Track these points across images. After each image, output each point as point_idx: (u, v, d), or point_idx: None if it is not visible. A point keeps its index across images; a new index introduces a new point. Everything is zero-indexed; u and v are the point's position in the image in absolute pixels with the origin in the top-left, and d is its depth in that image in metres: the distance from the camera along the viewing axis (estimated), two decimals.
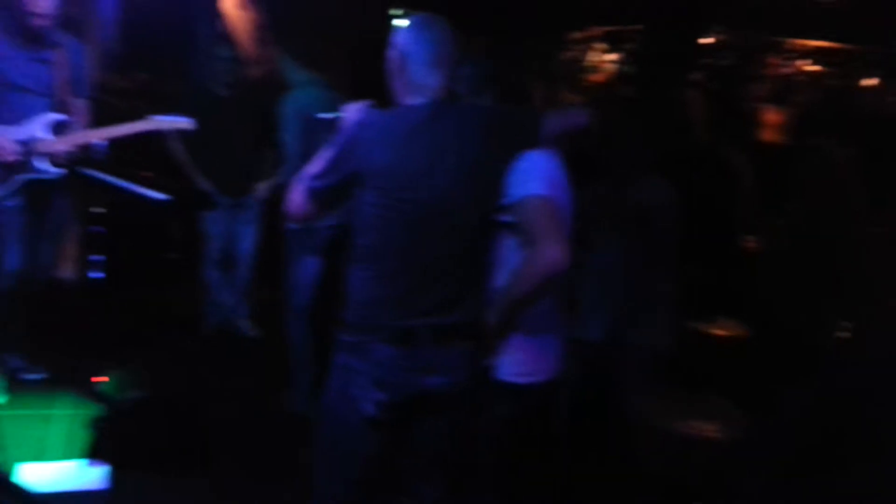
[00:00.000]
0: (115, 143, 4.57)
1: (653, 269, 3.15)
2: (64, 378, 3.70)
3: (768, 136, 5.23)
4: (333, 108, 2.22)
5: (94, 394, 2.60)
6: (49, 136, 3.47)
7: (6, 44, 3.35)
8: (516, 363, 2.23)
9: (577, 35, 6.09)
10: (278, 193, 4.41)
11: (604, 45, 5.99)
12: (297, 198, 2.07)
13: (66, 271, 4.55)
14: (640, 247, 3.09)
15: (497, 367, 2.20)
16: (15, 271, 3.50)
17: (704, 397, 3.12)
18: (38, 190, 3.54)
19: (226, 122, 4.39)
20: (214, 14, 5.55)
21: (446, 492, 2.17)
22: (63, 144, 3.49)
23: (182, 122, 3.80)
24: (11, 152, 3.36)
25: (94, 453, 3.06)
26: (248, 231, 4.64)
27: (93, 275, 4.41)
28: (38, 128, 3.44)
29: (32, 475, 2.92)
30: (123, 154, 4.55)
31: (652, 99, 5.11)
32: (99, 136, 3.70)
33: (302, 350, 3.72)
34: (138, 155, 4.50)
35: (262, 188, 4.34)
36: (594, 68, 6.06)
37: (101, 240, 4.35)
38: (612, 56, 5.94)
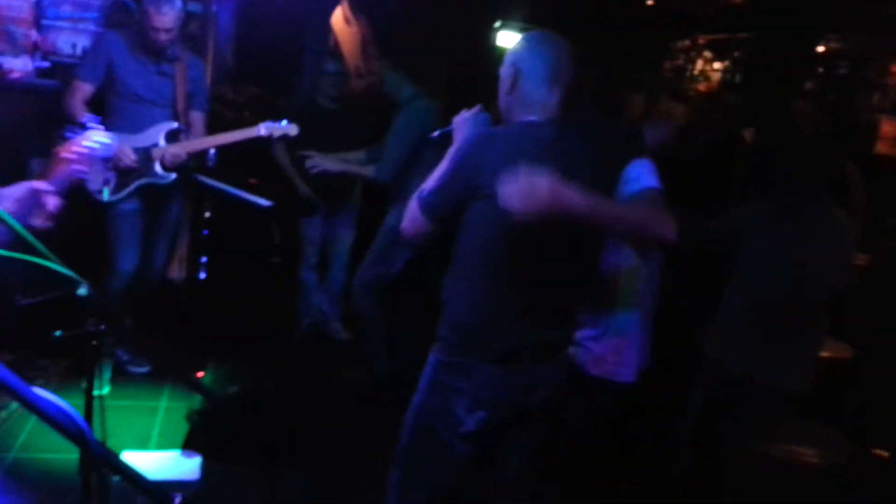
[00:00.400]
0: (224, 150, 4.83)
1: (812, 310, 2.94)
2: (166, 372, 3.91)
3: (885, 148, 4.93)
4: (440, 121, 2.20)
5: (193, 387, 2.69)
6: (165, 144, 3.67)
7: (132, 58, 3.58)
8: (603, 361, 2.23)
9: (682, 44, 5.94)
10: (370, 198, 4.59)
11: (710, 54, 5.81)
12: (414, 216, 2.00)
13: (175, 272, 4.79)
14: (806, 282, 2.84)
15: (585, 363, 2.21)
16: (129, 271, 3.72)
17: (805, 421, 2.96)
18: (155, 194, 3.76)
19: (329, 133, 4.54)
20: (324, 29, 5.73)
21: (531, 499, 2.17)
22: (178, 151, 3.68)
23: (289, 129, 3.94)
24: (131, 158, 3.57)
25: (189, 445, 3.21)
26: (345, 236, 4.78)
27: (200, 276, 4.61)
28: (156, 136, 3.66)
29: (131, 463, 3.09)
30: (232, 161, 4.80)
31: (761, 109, 4.92)
32: (211, 143, 3.92)
33: (376, 322, 3.98)
34: (245, 162, 4.72)
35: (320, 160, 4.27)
36: (700, 77, 5.88)
37: (207, 242, 4.55)
38: (719, 65, 5.75)
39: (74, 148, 2.07)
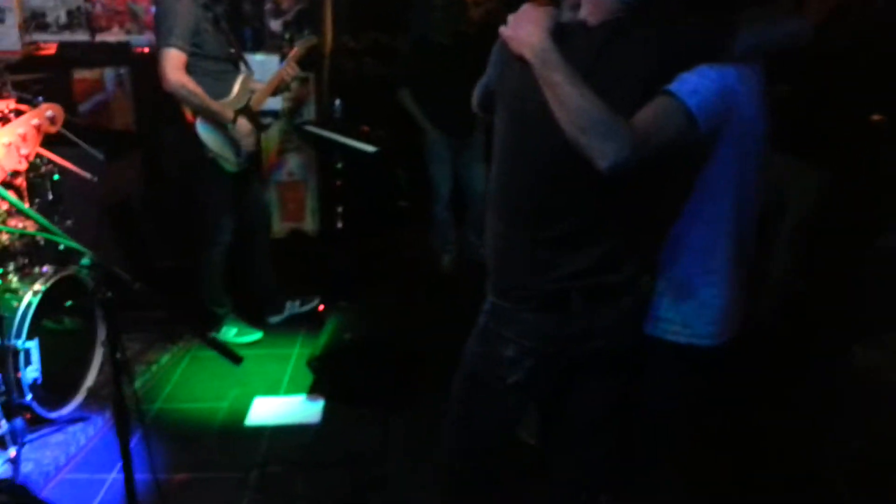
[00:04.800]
0: (350, 100, 4.89)
1: None
2: (304, 320, 4.11)
3: None
4: None
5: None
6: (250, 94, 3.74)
7: (203, 16, 3.49)
8: (675, 321, 1.88)
9: None
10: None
11: None
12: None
13: (308, 224, 4.98)
14: None
15: (658, 325, 1.92)
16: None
17: None
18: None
19: (449, 68, 4.44)
20: None
21: (609, 455, 2.01)
22: (261, 98, 3.77)
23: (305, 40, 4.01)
24: (249, 129, 3.67)
25: (314, 389, 3.35)
26: (476, 169, 4.76)
27: (336, 225, 4.74)
28: (244, 90, 3.70)
29: (261, 408, 3.28)
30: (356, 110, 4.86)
31: None
32: (273, 83, 3.86)
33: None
34: (363, 109, 4.78)
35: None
36: None
37: (340, 192, 4.65)
38: None
39: None
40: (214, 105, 3.52)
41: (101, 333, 3.26)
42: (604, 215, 1.71)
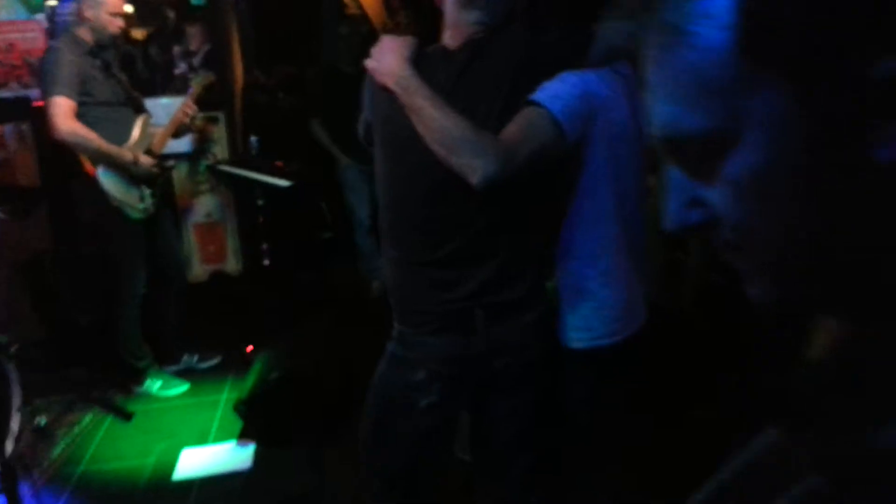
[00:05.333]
0: (266, 136, 4.84)
1: None
2: (232, 363, 4.00)
3: None
4: None
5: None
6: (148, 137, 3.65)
7: (89, 64, 3.43)
8: (577, 326, 1.86)
9: None
10: None
11: None
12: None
13: (231, 265, 4.88)
14: None
15: (562, 333, 1.90)
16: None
17: None
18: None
19: (357, 97, 4.44)
20: None
21: (532, 470, 1.98)
22: (162, 140, 3.68)
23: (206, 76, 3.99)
24: (151, 163, 3.57)
25: (243, 435, 3.26)
26: None
27: (263, 263, 4.66)
28: (144, 133, 3.62)
29: (189, 460, 3.18)
30: (273, 146, 4.81)
31: None
32: (176, 120, 3.79)
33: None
34: (279, 143, 4.73)
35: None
36: None
37: (263, 229, 4.58)
38: None
39: None
40: (111, 148, 3.43)
41: (17, 400, 3.12)
42: (492, 230, 1.72)
